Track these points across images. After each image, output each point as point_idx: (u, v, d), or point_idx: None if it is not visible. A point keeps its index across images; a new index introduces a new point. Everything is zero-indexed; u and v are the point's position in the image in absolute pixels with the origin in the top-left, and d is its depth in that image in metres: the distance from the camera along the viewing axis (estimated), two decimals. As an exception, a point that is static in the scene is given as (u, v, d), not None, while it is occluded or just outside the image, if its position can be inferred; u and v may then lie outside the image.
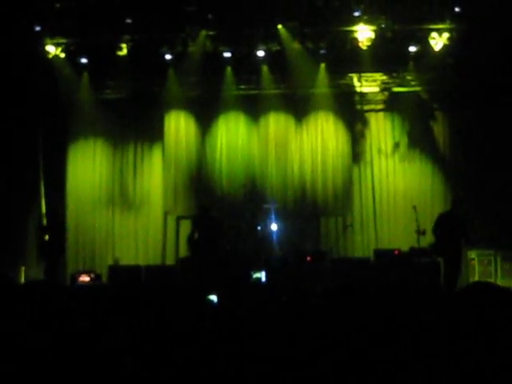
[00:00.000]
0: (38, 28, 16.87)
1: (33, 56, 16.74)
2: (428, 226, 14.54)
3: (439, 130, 18.39)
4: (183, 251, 17.74)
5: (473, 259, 16.04)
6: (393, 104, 18.52)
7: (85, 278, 15.77)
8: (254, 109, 18.67)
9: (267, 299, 7.02)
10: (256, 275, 6.13)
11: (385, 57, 17.35)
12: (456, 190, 17.06)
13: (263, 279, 5.70)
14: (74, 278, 16.12)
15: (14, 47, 16.16)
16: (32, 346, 2.71)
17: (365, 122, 18.69)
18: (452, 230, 13.85)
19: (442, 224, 14.05)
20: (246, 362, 3.91)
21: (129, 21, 16.72)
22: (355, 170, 18.59)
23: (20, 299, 4.19)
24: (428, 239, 14.73)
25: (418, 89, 18.32)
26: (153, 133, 19.00)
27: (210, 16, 16.88)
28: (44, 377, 2.61)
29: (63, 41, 17.42)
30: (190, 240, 15.68)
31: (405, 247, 16.55)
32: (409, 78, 18.26)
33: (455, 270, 13.79)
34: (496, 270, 15.80)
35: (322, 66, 17.87)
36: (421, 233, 14.26)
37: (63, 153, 19.01)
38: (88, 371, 3.66)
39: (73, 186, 19.02)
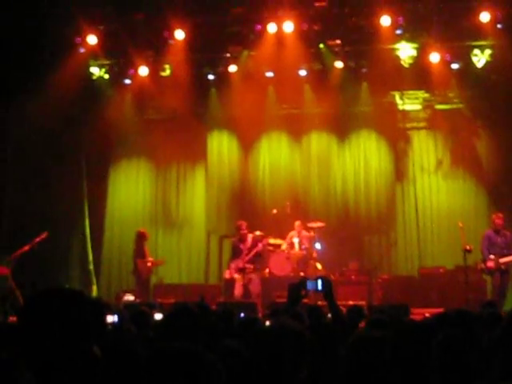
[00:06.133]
0: (82, 50, 16.92)
1: (77, 78, 16.76)
2: (472, 243, 14.29)
3: (482, 147, 18.12)
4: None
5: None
6: (435, 121, 18.33)
7: (129, 297, 15.73)
8: (296, 128, 18.64)
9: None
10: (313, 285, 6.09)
11: (427, 74, 17.13)
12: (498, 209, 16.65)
13: (319, 288, 5.68)
14: (119, 296, 16.11)
15: (59, 68, 16.25)
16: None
17: (407, 140, 18.53)
18: (500, 248, 13.65)
19: (490, 242, 13.87)
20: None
21: (171, 41, 16.72)
22: (398, 188, 18.43)
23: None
24: (473, 257, 14.48)
25: (460, 106, 18.12)
26: (195, 153, 19.08)
27: (251, 36, 16.83)
28: None
29: (107, 62, 17.52)
30: None
31: (449, 265, 16.37)
32: (451, 95, 18.09)
33: (504, 288, 13.58)
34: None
35: (364, 84, 17.77)
36: (467, 251, 14.00)
37: (106, 173, 19.13)
38: None
39: (116, 206, 19.15)
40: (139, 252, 16.25)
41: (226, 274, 15.70)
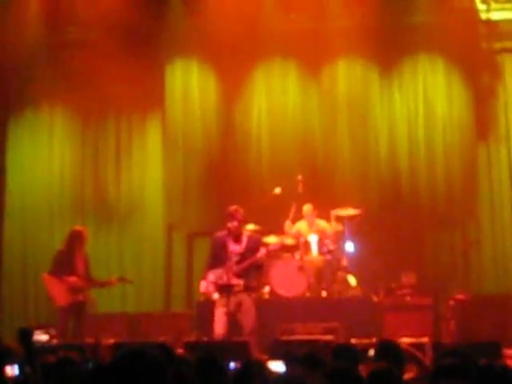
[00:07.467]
0: None
1: None
2: None
3: None
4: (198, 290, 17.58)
5: None
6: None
7: (41, 337, 15.68)
8: (311, 53, 18.53)
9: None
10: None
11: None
12: None
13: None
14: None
15: None
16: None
17: (496, 71, 18.50)
18: None
19: None
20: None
21: None
22: (482, 152, 18.43)
23: None
24: None
25: None
26: (147, 96, 19.06)
27: None
28: None
29: None
30: None
31: None
32: None
33: None
34: None
35: (424, -22, 17.82)
36: None
37: (2, 131, 19.09)
38: None
39: (18, 187, 19.04)
40: (63, 262, 15.96)
41: (201, 288, 15.05)
